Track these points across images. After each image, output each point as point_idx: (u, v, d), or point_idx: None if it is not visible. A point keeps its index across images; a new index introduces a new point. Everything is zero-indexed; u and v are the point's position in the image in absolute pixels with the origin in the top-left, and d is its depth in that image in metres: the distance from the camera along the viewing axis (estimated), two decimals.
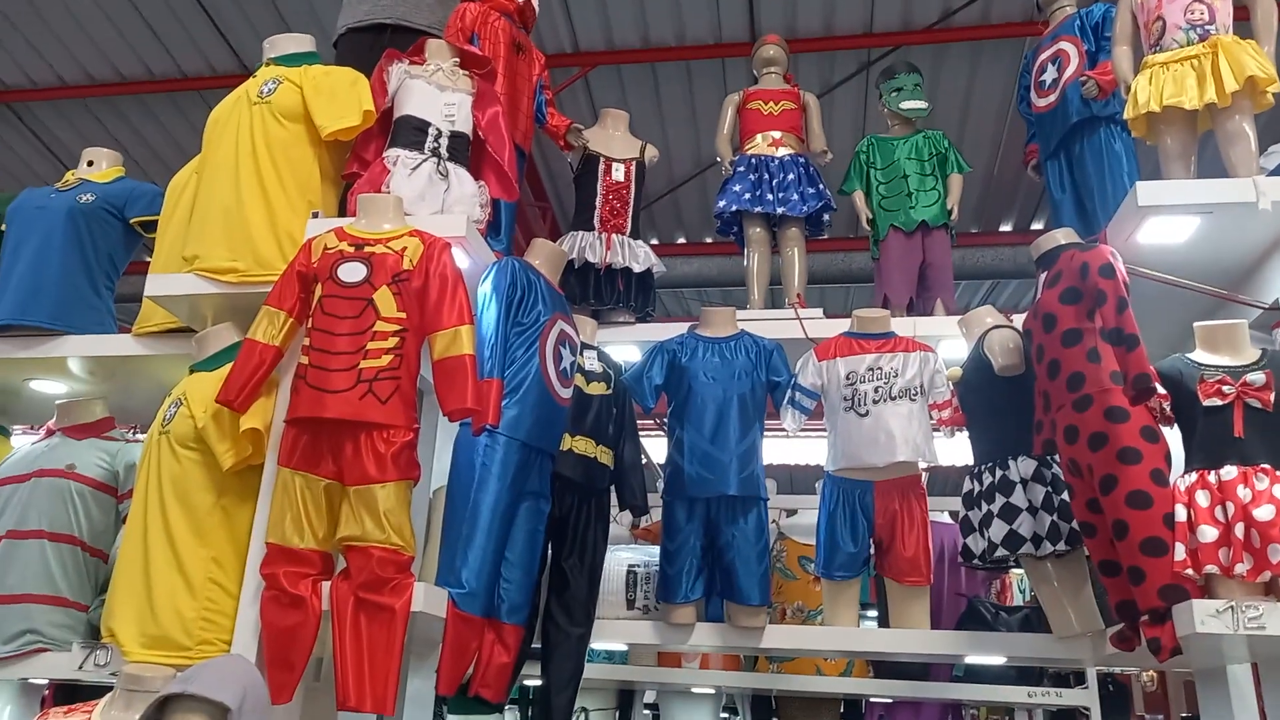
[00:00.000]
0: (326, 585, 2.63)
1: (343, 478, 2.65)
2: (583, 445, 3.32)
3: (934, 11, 6.80)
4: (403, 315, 2.76)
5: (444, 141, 3.23)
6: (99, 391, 3.81)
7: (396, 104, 3.30)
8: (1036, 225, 8.70)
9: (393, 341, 2.72)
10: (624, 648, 4.71)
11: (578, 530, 3.28)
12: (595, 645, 3.47)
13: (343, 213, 3.30)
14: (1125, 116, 3.09)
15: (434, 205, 3.14)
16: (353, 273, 2.80)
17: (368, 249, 2.85)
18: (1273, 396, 2.53)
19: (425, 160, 3.17)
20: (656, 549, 3.57)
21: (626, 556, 3.61)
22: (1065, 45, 3.85)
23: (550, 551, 3.27)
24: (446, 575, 2.82)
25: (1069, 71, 3.79)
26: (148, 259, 3.74)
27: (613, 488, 3.46)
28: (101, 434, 3.46)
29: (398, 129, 3.25)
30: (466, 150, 3.33)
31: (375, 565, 2.58)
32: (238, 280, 3.09)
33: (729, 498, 3.31)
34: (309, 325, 2.78)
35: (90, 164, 4.05)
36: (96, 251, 3.85)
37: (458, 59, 3.43)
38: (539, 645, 3.23)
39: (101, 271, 3.89)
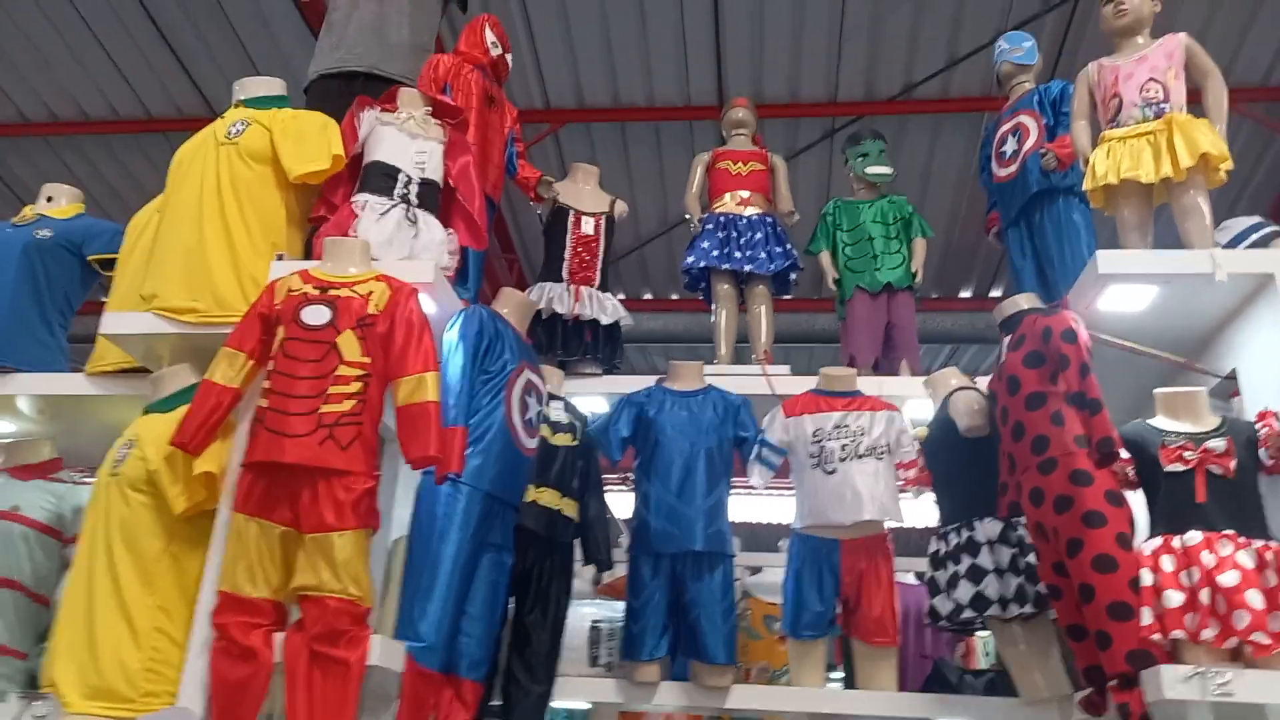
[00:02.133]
0: (279, 636, 2.53)
1: (299, 525, 2.56)
2: (547, 497, 3.26)
3: (896, 83, 7.03)
4: (367, 360, 2.71)
5: (414, 188, 3.22)
6: (48, 431, 3.67)
7: (367, 150, 3.29)
8: (995, 292, 8.90)
9: (355, 386, 2.66)
10: (586, 706, 4.57)
11: (540, 584, 3.21)
12: (556, 704, 3.36)
13: (308, 256, 3.26)
14: (1084, 188, 3.18)
15: (402, 251, 3.11)
16: (317, 316, 2.75)
17: (333, 292, 2.80)
18: (1234, 463, 2.57)
19: (394, 206, 3.15)
20: (621, 605, 3.50)
21: (590, 612, 3.54)
22: (1025, 119, 3.97)
23: (512, 605, 3.18)
24: (405, 628, 2.73)
25: (1029, 144, 3.89)
26: (103, 299, 3.65)
27: (577, 541, 3.40)
28: (48, 475, 3.35)
29: (367, 174, 3.24)
30: (436, 198, 3.31)
31: (331, 616, 2.49)
32: (196, 320, 3.02)
33: (695, 554, 3.26)
34: (269, 368, 2.71)
35: (49, 199, 3.97)
36: (51, 288, 3.76)
37: (430, 108, 3.44)
38: (499, 702, 3.14)
39: (55, 309, 3.79)
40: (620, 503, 4.33)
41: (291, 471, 2.56)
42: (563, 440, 3.41)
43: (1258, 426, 2.66)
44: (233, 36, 6.81)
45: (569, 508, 3.35)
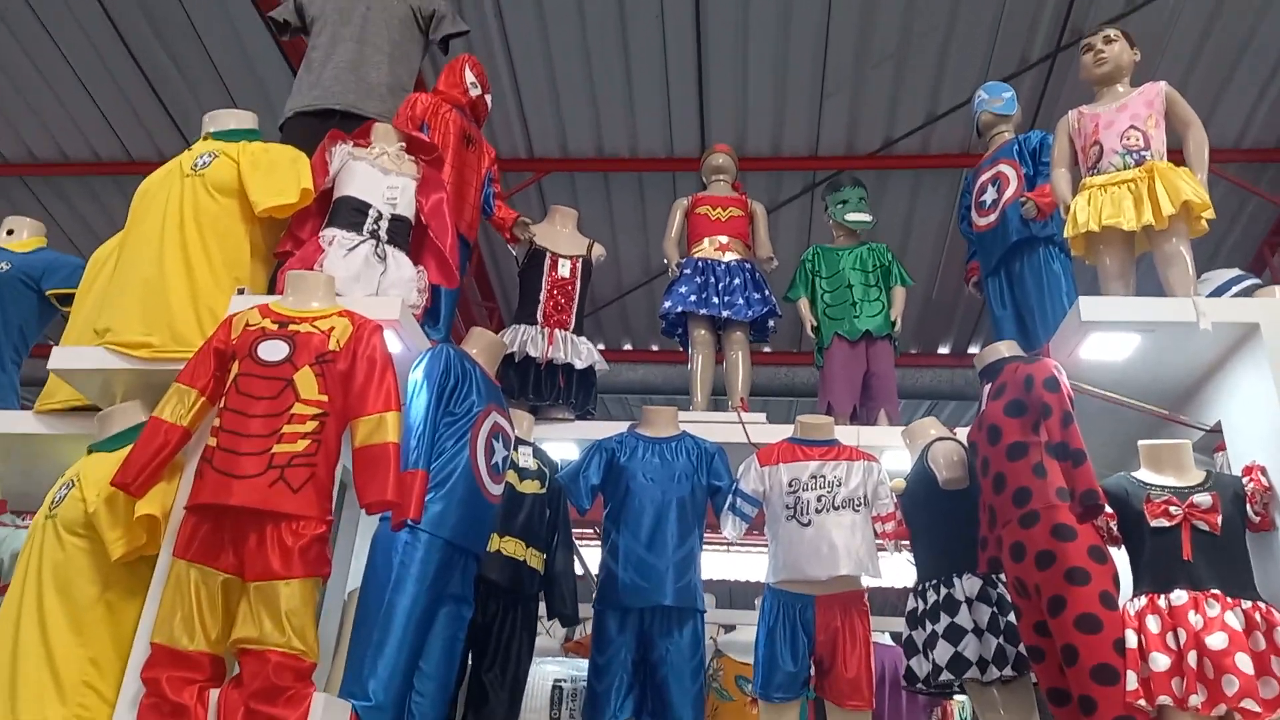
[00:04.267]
0: (214, 693, 2.37)
1: (243, 572, 2.42)
2: (512, 547, 3.13)
3: (877, 139, 7.07)
4: (324, 398, 2.59)
5: (384, 224, 3.15)
6: None
7: (337, 185, 3.22)
8: (973, 349, 8.87)
9: (311, 425, 2.54)
10: None
11: (501, 639, 3.06)
12: None
13: (272, 292, 3.17)
14: (1065, 235, 3.14)
15: (369, 287, 3.03)
16: (273, 351, 2.64)
17: (292, 327, 2.70)
18: (1220, 519, 2.47)
19: (363, 242, 3.08)
20: (585, 663, 3.34)
21: (552, 670, 3.39)
22: (1004, 168, 3.96)
23: (469, 662, 3.03)
24: (351, 685, 2.57)
25: (1008, 193, 3.87)
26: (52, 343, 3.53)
27: (542, 594, 3.26)
28: None
29: (336, 209, 3.17)
30: (407, 235, 3.24)
31: (271, 672, 2.33)
32: (150, 356, 2.91)
33: (664, 609, 3.13)
34: (221, 405, 2.60)
35: (10, 233, 3.88)
36: (6, 322, 3.65)
37: (404, 144, 3.39)
38: None
39: (10, 344, 3.67)
40: (590, 555, 4.20)
41: (238, 515, 2.43)
42: (530, 487, 3.29)
43: (1244, 481, 2.58)
44: (216, 78, 6.79)
45: (534, 559, 3.22)
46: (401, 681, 2.61)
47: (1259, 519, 2.54)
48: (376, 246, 3.10)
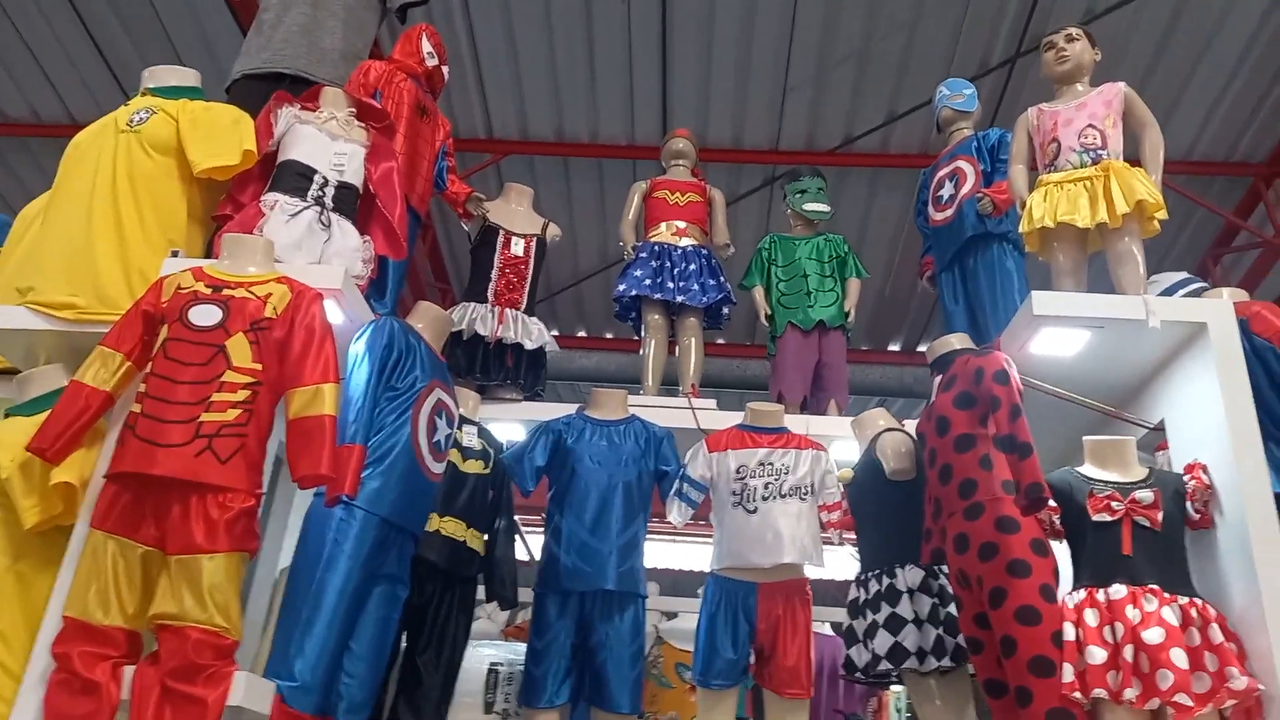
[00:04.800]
0: (129, 670, 2.26)
1: (164, 545, 2.33)
2: (451, 527, 3.06)
3: (837, 136, 7.09)
4: (258, 367, 2.49)
5: (330, 191, 3.05)
6: None
7: (282, 148, 3.11)
8: (923, 346, 8.96)
9: (242, 395, 2.44)
10: None
11: (437, 621, 2.99)
12: None
13: (209, 257, 3.05)
14: (1020, 230, 3.13)
15: (311, 255, 2.93)
16: (205, 316, 2.54)
17: (226, 292, 2.60)
18: (1161, 515, 2.48)
19: (307, 208, 2.97)
20: (522, 647, 3.27)
21: (488, 653, 3.31)
22: (963, 164, 3.96)
23: (404, 643, 2.95)
24: (277, 665, 2.47)
25: (965, 189, 3.88)
26: None
27: (481, 577, 3.19)
28: None
29: (280, 174, 3.06)
30: (354, 203, 3.14)
31: (191, 649, 2.24)
32: (75, 317, 2.78)
33: (605, 593, 3.07)
34: (148, 371, 2.48)
35: None
36: None
37: (354, 109, 3.28)
38: None
39: None
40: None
41: (162, 485, 2.33)
42: (473, 467, 3.21)
43: (1186, 479, 2.59)
44: (164, 37, 6.56)
45: (475, 540, 3.15)
46: (330, 662, 2.52)
47: (1199, 516, 2.55)
48: (321, 214, 2.99)
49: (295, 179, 3.02)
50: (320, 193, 3.03)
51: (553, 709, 3.04)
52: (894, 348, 9.04)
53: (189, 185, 3.05)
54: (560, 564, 3.10)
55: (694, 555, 9.06)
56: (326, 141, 3.14)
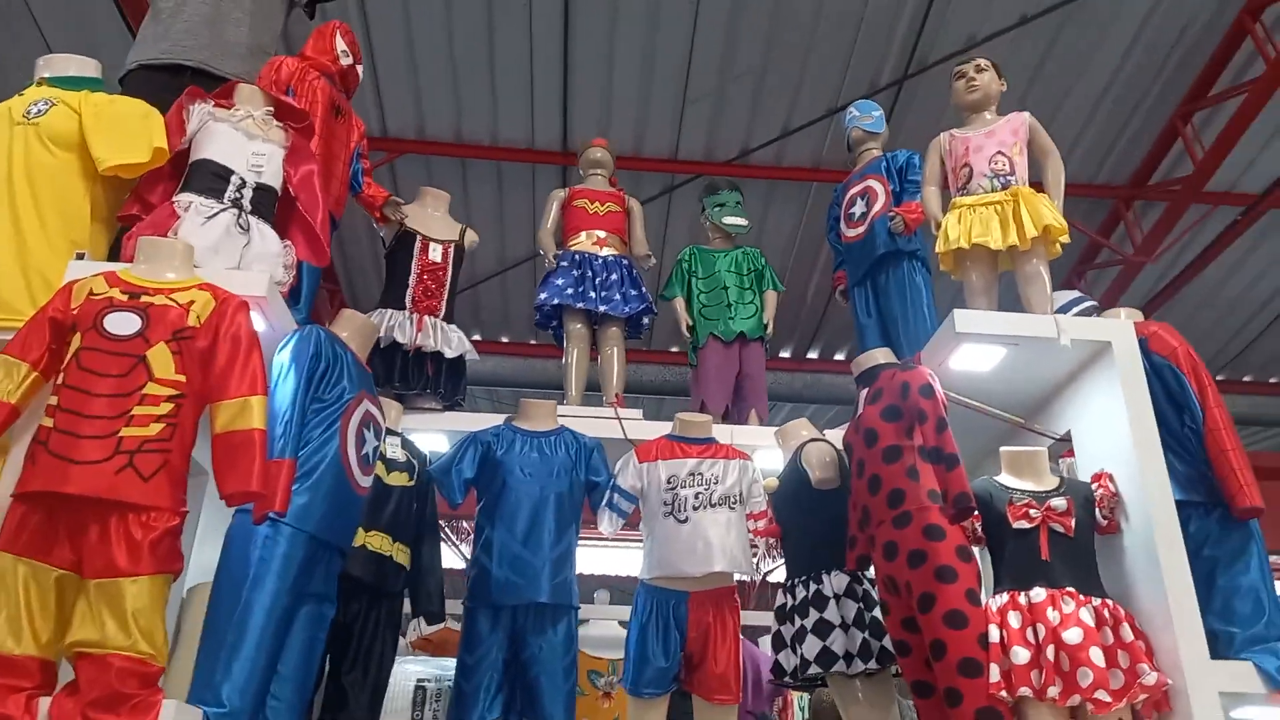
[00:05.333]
0: (45, 702, 2.10)
1: (81, 569, 2.17)
2: (377, 541, 2.98)
3: (735, 147, 7.25)
4: (181, 379, 2.36)
5: (248, 193, 2.91)
6: None
7: (195, 146, 2.96)
8: (811, 354, 9.26)
9: (166, 408, 2.31)
10: None
11: (363, 639, 2.90)
12: None
13: (114, 259, 2.86)
14: (937, 250, 3.29)
15: (230, 260, 2.79)
16: (123, 324, 2.38)
17: (145, 299, 2.44)
18: (1074, 522, 2.65)
19: (224, 210, 2.84)
20: (449, 662, 3.21)
21: (415, 670, 3.22)
22: (873, 183, 4.11)
23: (329, 663, 2.84)
24: (203, 691, 2.34)
25: (877, 207, 4.03)
26: None
27: (407, 592, 3.11)
28: None
29: (193, 173, 2.90)
30: (273, 206, 3.01)
31: (114, 678, 2.10)
32: None
33: (538, 606, 3.05)
34: (59, 382, 2.31)
35: None
36: None
37: (272, 108, 3.14)
38: None
39: None
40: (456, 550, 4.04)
41: (77, 505, 2.17)
42: (398, 480, 3.13)
43: (1093, 487, 2.78)
44: (30, 22, 6.10)
45: (401, 554, 3.07)
46: (259, 686, 2.41)
47: (1106, 522, 2.74)
48: (239, 216, 2.86)
49: (210, 179, 2.88)
50: (238, 194, 2.90)
51: None
52: (784, 355, 9.29)
53: (92, 183, 2.87)
54: (492, 577, 3.06)
55: (594, 559, 9.07)
56: (243, 141, 2.99)
